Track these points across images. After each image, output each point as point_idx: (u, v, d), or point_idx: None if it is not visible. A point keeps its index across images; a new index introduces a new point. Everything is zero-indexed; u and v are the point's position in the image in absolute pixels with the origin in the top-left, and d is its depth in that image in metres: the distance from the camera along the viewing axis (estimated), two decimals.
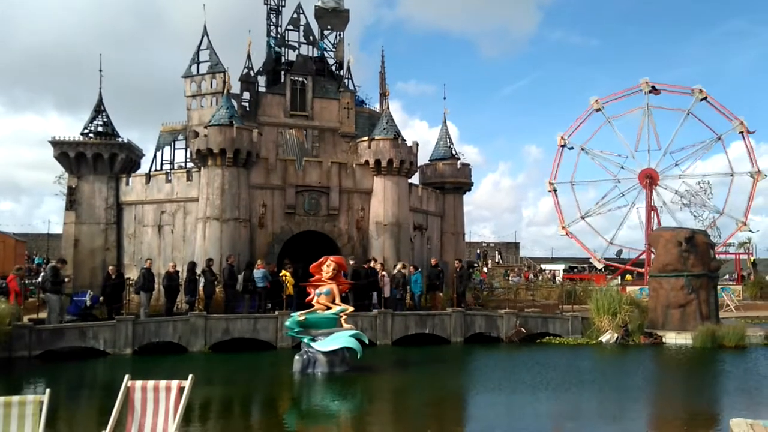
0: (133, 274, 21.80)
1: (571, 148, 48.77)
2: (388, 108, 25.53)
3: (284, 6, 28.58)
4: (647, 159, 47.40)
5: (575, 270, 51.73)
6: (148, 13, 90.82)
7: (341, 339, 13.68)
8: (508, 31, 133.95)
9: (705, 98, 46.37)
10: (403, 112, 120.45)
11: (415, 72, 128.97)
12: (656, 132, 47.56)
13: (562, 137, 48.80)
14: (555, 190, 49.37)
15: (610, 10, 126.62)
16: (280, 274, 19.41)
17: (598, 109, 48.09)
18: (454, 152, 29.07)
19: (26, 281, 19.86)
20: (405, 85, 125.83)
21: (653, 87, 46.93)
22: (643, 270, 46.34)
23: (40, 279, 19.35)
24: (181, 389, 5.92)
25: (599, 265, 48.56)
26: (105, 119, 25.10)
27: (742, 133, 45.89)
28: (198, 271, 19.52)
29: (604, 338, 19.24)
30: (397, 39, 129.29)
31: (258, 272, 19.60)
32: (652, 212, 46.63)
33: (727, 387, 13.19)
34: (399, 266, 21.21)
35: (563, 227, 49.09)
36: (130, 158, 24.89)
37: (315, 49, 28.33)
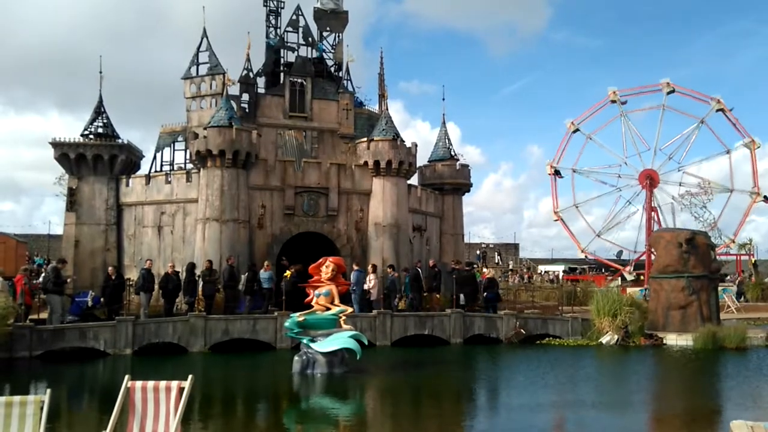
0: (133, 274, 21.81)
1: (577, 130, 48.11)
2: (387, 109, 25.56)
3: (283, 8, 28.62)
4: (652, 159, 47.16)
5: (576, 271, 51.68)
6: (149, 13, 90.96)
7: (340, 340, 13.68)
8: (516, 30, 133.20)
9: (722, 109, 46.15)
10: (405, 112, 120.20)
11: (419, 71, 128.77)
12: (666, 134, 47.47)
13: (572, 122, 48.17)
14: (556, 173, 48.77)
15: (618, 9, 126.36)
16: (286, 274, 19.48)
17: (614, 101, 47.49)
18: (453, 153, 29.14)
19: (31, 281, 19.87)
20: (407, 85, 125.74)
21: (673, 89, 46.53)
22: (624, 269, 46.60)
23: (41, 280, 19.33)
24: (181, 390, 5.92)
25: (581, 255, 48.35)
26: (105, 120, 25.14)
27: (751, 150, 45.82)
28: (197, 272, 19.53)
29: (604, 339, 19.23)
30: (402, 36, 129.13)
31: (265, 274, 19.64)
32: (653, 213, 46.55)
33: (727, 389, 13.16)
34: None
35: (555, 212, 48.87)
36: (130, 159, 24.93)
37: (314, 50, 28.35)
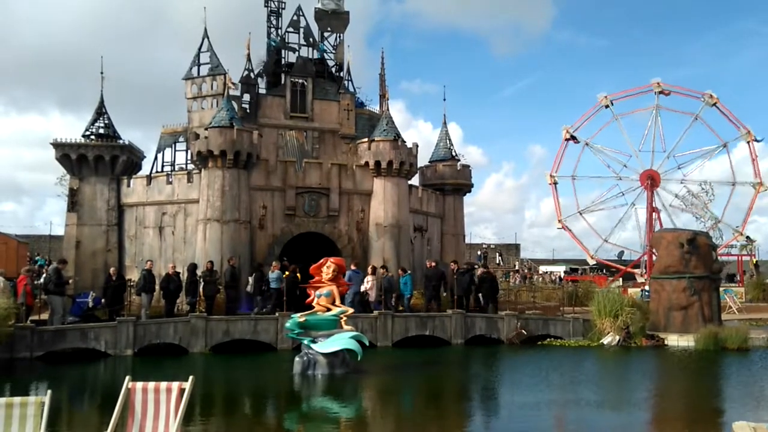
0: (134, 275, 21.80)
1: (577, 141, 48.38)
2: (387, 109, 25.55)
3: (284, 8, 28.66)
4: (651, 160, 47.28)
5: (578, 272, 51.63)
6: (149, 13, 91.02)
7: (341, 341, 13.67)
8: (520, 29, 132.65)
9: (715, 104, 46.20)
10: (407, 112, 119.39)
11: (421, 70, 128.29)
12: (662, 134, 47.44)
13: (567, 130, 48.37)
14: (555, 183, 48.94)
15: (621, 10, 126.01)
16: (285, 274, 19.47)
17: (607, 106, 47.64)
18: (454, 153, 29.14)
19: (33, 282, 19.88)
20: (409, 85, 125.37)
21: (663, 89, 46.69)
22: (635, 271, 46.57)
23: (42, 280, 19.32)
24: (181, 391, 5.91)
25: (591, 262, 48.39)
26: (106, 121, 25.16)
27: (748, 142, 45.90)
28: (198, 272, 19.52)
29: (605, 340, 19.20)
30: (404, 36, 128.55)
31: (273, 274, 19.64)
32: (654, 214, 46.55)
33: (729, 390, 13.15)
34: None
35: (560, 220, 48.89)
36: (131, 160, 24.94)
37: (315, 51, 28.36)
